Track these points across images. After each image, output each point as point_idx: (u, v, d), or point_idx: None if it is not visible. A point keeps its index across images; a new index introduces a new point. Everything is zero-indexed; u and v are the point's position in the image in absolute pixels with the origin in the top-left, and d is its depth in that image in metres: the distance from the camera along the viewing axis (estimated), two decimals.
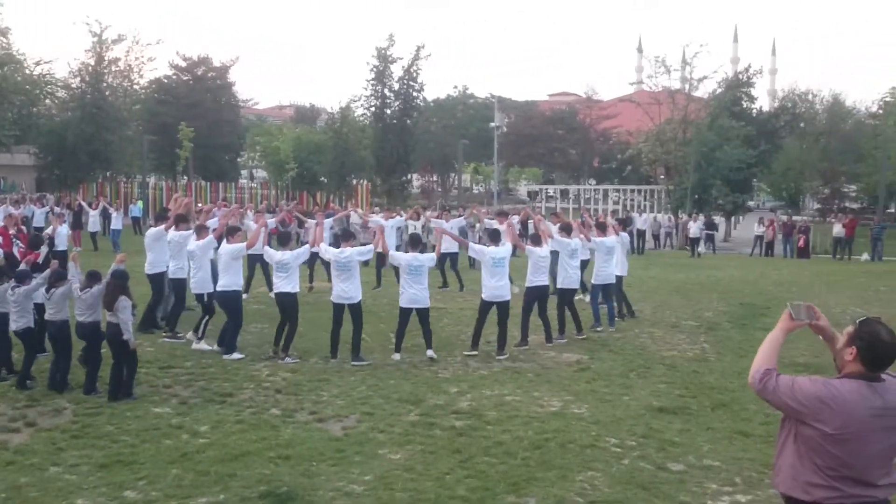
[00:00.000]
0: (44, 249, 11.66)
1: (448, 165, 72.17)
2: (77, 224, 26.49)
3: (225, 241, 11.17)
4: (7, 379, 9.45)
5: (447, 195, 69.47)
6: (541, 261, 12.01)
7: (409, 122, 46.86)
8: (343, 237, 11.62)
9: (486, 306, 11.46)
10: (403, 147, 45.97)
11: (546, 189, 62.75)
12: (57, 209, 27.66)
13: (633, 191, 51.89)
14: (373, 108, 46.49)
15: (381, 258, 15.45)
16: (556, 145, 70.43)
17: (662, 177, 46.52)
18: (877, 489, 3.49)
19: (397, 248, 15.41)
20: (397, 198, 44.33)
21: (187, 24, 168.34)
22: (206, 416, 8.31)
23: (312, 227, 13.89)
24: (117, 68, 45.94)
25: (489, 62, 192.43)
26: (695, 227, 31.36)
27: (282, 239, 11.56)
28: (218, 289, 11.08)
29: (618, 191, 56.44)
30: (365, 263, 12.48)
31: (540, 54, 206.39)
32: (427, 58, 46.17)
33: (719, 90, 40.81)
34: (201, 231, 11.69)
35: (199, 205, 20.39)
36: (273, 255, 11.09)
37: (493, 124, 54.00)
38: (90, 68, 44.72)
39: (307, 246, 11.47)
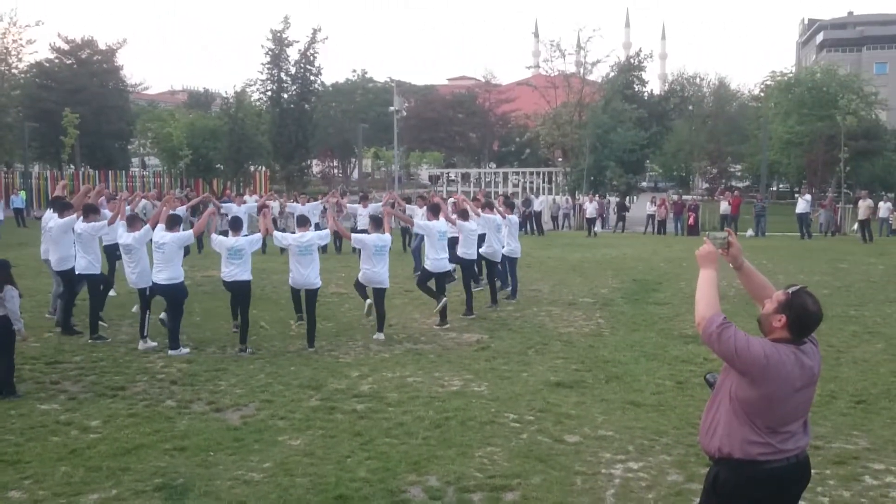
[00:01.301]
0: None
1: (348, 150, 71.73)
2: None
3: (164, 230, 10.60)
4: None
5: (348, 180, 68.97)
6: (471, 234, 13.01)
7: (307, 106, 46.22)
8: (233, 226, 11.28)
9: (428, 274, 12.20)
10: (302, 132, 45.32)
11: (447, 173, 63.08)
12: None
13: (532, 173, 52.74)
14: (269, 93, 45.66)
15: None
16: (457, 129, 70.95)
17: (560, 159, 47.47)
18: (800, 439, 3.74)
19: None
20: (296, 184, 43.71)
21: (69, 4, 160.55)
22: (96, 410, 8.01)
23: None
24: None
25: (388, 46, 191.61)
26: (591, 208, 32.16)
27: (233, 224, 11.12)
28: (162, 281, 10.44)
29: (517, 173, 57.15)
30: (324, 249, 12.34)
31: (439, 38, 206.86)
32: (324, 41, 45.71)
33: (612, 74, 41.95)
34: (134, 222, 11.03)
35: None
36: (224, 241, 10.68)
37: (392, 108, 54.03)
38: None
39: (260, 234, 11.12)
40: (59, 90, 50.01)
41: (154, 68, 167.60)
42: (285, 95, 45.44)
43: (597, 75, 42.34)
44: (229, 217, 13.32)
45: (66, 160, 46.09)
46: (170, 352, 10.31)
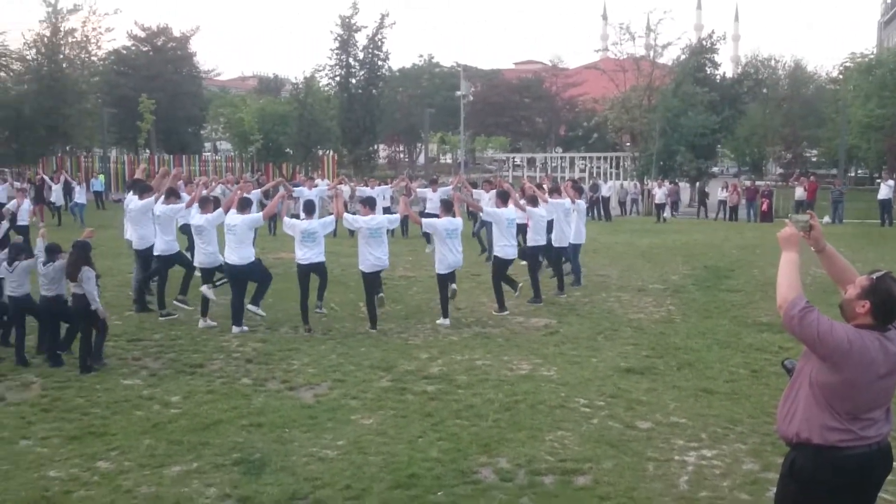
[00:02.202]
0: (4, 224, 11.49)
1: (414, 135, 71.95)
2: (39, 198, 26.07)
3: (236, 212, 10.87)
4: None
5: (414, 165, 69.27)
6: (541, 220, 12.91)
7: (374, 91, 46.41)
8: (306, 210, 11.45)
9: (500, 263, 12.07)
10: (369, 117, 45.59)
11: (513, 157, 62.80)
12: (17, 184, 27.13)
13: (599, 158, 52.12)
14: (338, 78, 45.98)
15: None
16: (523, 114, 70.51)
17: (628, 144, 46.80)
18: (883, 426, 3.67)
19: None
20: (364, 168, 44.09)
21: None
22: (176, 386, 8.29)
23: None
24: (74, 39, 44.91)
25: (455, 31, 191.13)
26: (660, 193, 31.64)
27: (307, 208, 11.32)
28: (234, 262, 10.70)
29: (584, 158, 56.66)
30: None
31: (505, 22, 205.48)
32: (392, 26, 45.71)
33: (683, 57, 41.00)
34: (206, 204, 11.32)
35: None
36: (297, 224, 10.86)
37: (459, 93, 53.83)
38: (46, 40, 43.66)
39: (333, 216, 11.33)
40: (135, 77, 51.37)
41: (225, 55, 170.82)
42: (353, 80, 45.74)
43: (667, 58, 41.54)
44: (301, 201, 13.54)
45: (142, 145, 47.37)
46: (233, 329, 10.67)
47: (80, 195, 27.22)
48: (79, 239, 9.07)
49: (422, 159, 71.51)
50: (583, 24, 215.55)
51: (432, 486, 5.85)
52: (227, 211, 11.09)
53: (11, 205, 15.50)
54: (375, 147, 50.44)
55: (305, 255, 10.80)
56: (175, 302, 11.56)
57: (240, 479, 5.96)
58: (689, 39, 44.15)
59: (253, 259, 10.88)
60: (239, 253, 10.69)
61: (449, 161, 78.79)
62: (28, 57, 45.08)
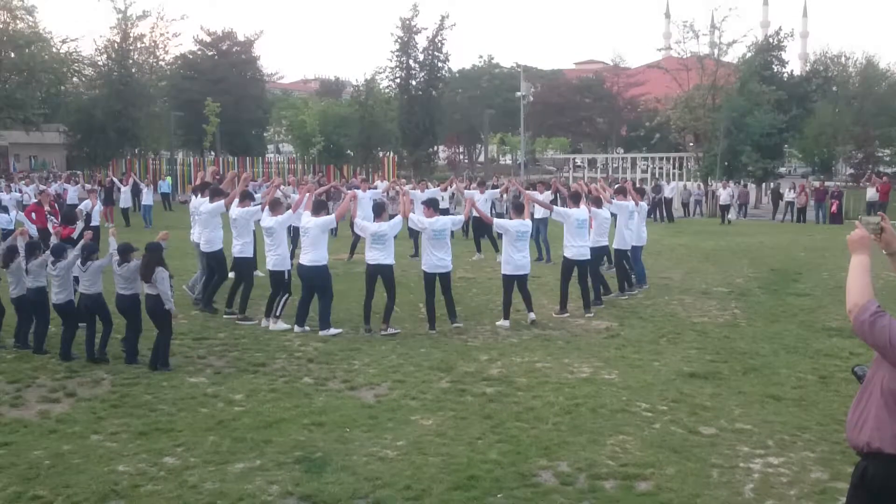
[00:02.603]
0: (79, 225, 11.85)
1: (474, 136, 71.95)
2: (109, 200, 26.84)
3: (309, 215, 10.90)
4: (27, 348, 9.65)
5: (473, 166, 69.29)
6: (605, 222, 12.77)
7: (434, 93, 46.69)
8: (376, 212, 11.53)
9: (569, 264, 11.97)
10: (429, 118, 45.85)
11: (573, 158, 62.31)
12: (88, 186, 28.02)
13: (661, 159, 51.38)
14: (398, 80, 46.38)
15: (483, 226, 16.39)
16: (583, 114, 69.85)
17: (691, 144, 45.96)
18: None
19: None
20: (424, 170, 44.31)
21: None
22: (240, 385, 8.44)
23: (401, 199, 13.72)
24: (143, 45, 46.24)
25: (514, 31, 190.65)
26: (724, 194, 31.02)
27: (377, 209, 11.33)
28: (307, 263, 10.72)
29: (646, 159, 55.93)
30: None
31: (566, 22, 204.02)
32: (452, 27, 46.08)
33: (749, 54, 40.12)
34: (277, 206, 11.34)
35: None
36: (368, 227, 10.89)
37: (519, 94, 53.65)
38: (116, 45, 45.04)
39: (400, 217, 11.37)
40: (201, 80, 52.52)
41: (288, 58, 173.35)
42: (413, 82, 46.07)
43: (732, 56, 40.65)
44: (371, 203, 13.62)
45: (207, 147, 48.49)
46: (321, 332, 10.64)
47: (147, 197, 27.97)
48: (152, 241, 9.29)
49: (481, 160, 71.50)
50: (645, 23, 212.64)
51: (492, 489, 5.83)
52: (294, 211, 11.22)
53: (84, 205, 16.01)
54: (435, 148, 50.68)
55: (374, 256, 10.79)
56: (225, 316, 11.57)
57: (301, 477, 6.03)
58: (756, 37, 43.26)
59: (325, 262, 10.87)
60: (311, 255, 10.71)
61: (508, 162, 78.59)
62: (99, 62, 46.58)
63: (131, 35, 45.22)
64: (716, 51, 39.94)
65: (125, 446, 6.72)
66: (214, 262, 12.02)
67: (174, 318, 9.28)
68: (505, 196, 21.17)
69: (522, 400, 7.87)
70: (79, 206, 15.85)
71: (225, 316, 11.60)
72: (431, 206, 11.44)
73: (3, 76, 43.82)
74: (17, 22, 43.79)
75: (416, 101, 45.66)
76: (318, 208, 11.01)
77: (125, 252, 9.21)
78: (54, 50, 45.70)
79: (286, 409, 7.60)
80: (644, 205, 14.61)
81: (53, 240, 10.83)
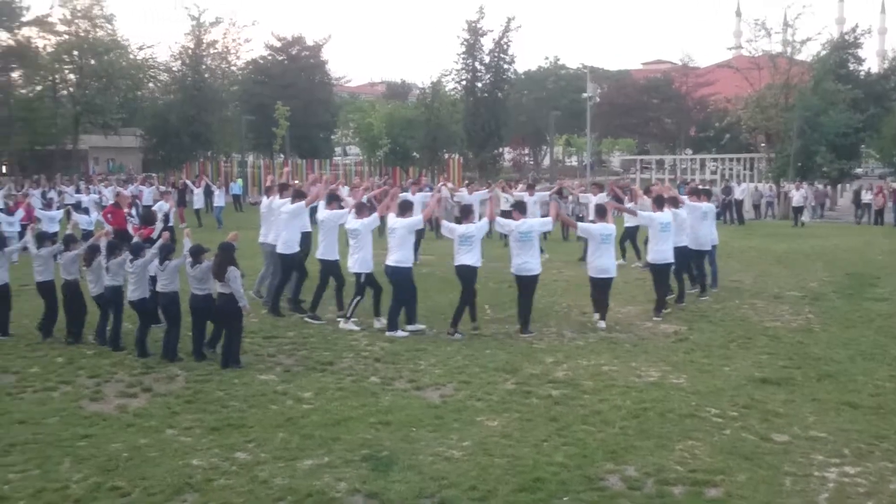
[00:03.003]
0: (158, 225, 12.22)
1: (540, 138, 71.60)
2: (182, 202, 27.61)
3: (394, 216, 10.99)
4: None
5: (539, 168, 68.97)
6: (682, 223, 12.62)
7: (500, 94, 46.54)
8: (463, 214, 11.40)
9: (657, 268, 12.08)
10: (495, 120, 45.73)
11: (640, 160, 61.45)
12: (163, 188, 28.83)
13: (731, 160, 50.26)
14: (464, 82, 46.37)
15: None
16: (651, 115, 68.84)
17: (763, 144, 44.84)
18: None
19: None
20: (489, 171, 44.26)
21: (281, 4, 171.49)
22: (308, 383, 8.59)
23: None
24: (215, 50, 47.39)
25: (581, 32, 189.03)
26: (797, 196, 30.19)
27: (464, 211, 11.32)
28: (392, 263, 10.73)
29: (715, 160, 54.77)
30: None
31: (633, 22, 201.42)
32: (517, 29, 45.74)
33: (823, 52, 38.92)
34: (362, 209, 11.36)
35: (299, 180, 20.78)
36: (455, 228, 10.88)
37: (585, 95, 53.10)
38: (190, 51, 46.24)
39: (486, 219, 11.37)
40: (271, 85, 53.42)
41: (355, 62, 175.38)
42: (479, 84, 46.01)
43: (806, 54, 39.44)
44: (460, 205, 13.65)
45: (276, 150, 49.33)
46: (387, 332, 10.68)
47: (219, 198, 28.65)
48: (224, 241, 9.53)
49: (547, 162, 71.13)
50: (715, 22, 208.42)
51: (558, 491, 5.82)
52: (381, 214, 11.30)
53: (159, 206, 16.49)
54: (501, 150, 50.55)
55: (461, 258, 10.78)
56: (307, 319, 11.55)
57: (368, 475, 6.12)
58: (831, 34, 42.04)
59: (410, 263, 10.87)
60: (397, 255, 10.73)
61: (574, 164, 78.03)
62: (174, 68, 47.93)
63: (204, 41, 46.40)
64: (789, 49, 38.85)
65: (199, 441, 6.91)
66: (291, 264, 12.01)
67: (246, 316, 9.49)
68: (571, 197, 21.03)
69: (589, 403, 7.82)
70: (153, 208, 16.34)
71: (306, 319, 11.56)
72: (519, 209, 11.42)
73: (84, 82, 45.47)
74: (97, 30, 45.37)
75: (482, 104, 45.59)
76: (404, 209, 11.05)
77: (197, 253, 9.47)
78: (131, 57, 47.25)
79: (353, 408, 7.71)
80: (711, 206, 14.31)
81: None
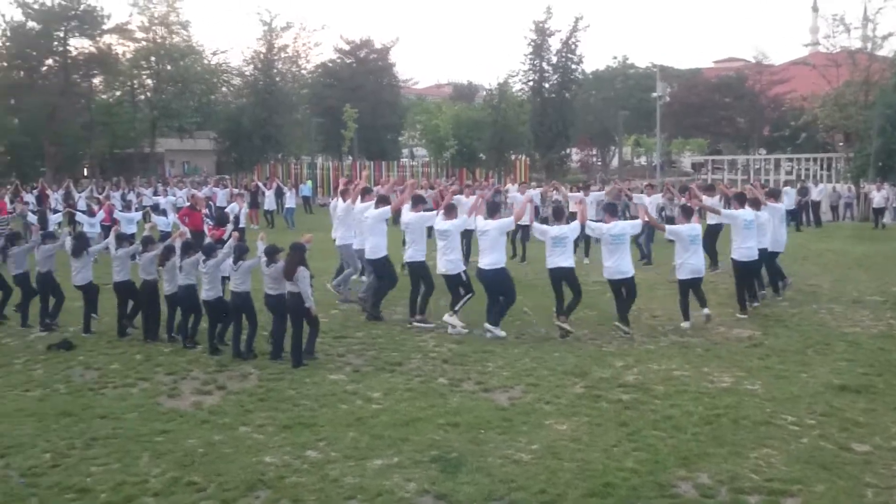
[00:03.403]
0: (230, 227, 12.51)
1: (608, 138, 70.75)
2: (254, 203, 28.19)
3: (482, 217, 10.99)
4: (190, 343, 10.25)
5: (607, 169, 68.22)
6: (765, 224, 12.39)
7: (567, 95, 46.33)
8: (556, 215, 11.39)
9: (739, 266, 11.96)
10: (562, 121, 45.52)
11: (712, 160, 60.21)
12: (235, 190, 29.50)
13: (808, 160, 48.88)
14: (531, 83, 46.29)
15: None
16: (723, 114, 67.27)
17: (841, 144, 43.52)
18: None
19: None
20: (556, 172, 44.01)
21: (349, 7, 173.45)
22: (378, 383, 8.67)
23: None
24: (286, 54, 48.31)
25: (650, 31, 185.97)
26: (878, 197, 29.13)
27: (556, 213, 11.28)
28: (486, 266, 10.68)
29: (791, 160, 53.34)
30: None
31: (704, 19, 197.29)
32: (585, 29, 45.45)
33: None
34: (451, 210, 11.33)
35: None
36: (548, 230, 10.84)
37: (655, 94, 52.30)
38: (262, 56, 47.23)
39: (511, 219, 11.37)
40: (340, 87, 54.15)
41: (422, 64, 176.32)
42: (546, 85, 45.89)
43: (888, 50, 38.16)
44: (550, 206, 13.58)
45: (345, 152, 50.01)
46: (486, 324, 10.66)
47: (290, 200, 29.16)
48: (296, 241, 9.69)
49: (615, 163, 70.31)
50: (790, 18, 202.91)
51: (628, 497, 5.74)
52: (470, 216, 11.30)
53: (231, 208, 16.89)
54: (568, 151, 50.22)
55: (554, 260, 10.71)
56: (416, 323, 11.38)
57: (437, 476, 6.14)
58: None
59: (503, 265, 10.82)
60: (490, 257, 10.69)
61: (643, 164, 76.87)
62: (246, 72, 49.01)
63: (276, 46, 47.33)
64: (869, 45, 37.67)
65: (271, 438, 7.04)
66: (381, 268, 11.96)
67: (314, 316, 9.64)
68: (664, 199, 20.58)
69: (660, 408, 7.70)
70: (226, 209, 16.73)
71: (415, 324, 11.41)
72: (610, 211, 11.33)
73: (161, 87, 46.86)
74: (174, 36, 46.72)
75: (549, 104, 45.44)
76: (493, 210, 11.03)
77: (272, 254, 9.65)
78: (206, 62, 48.54)
79: (422, 409, 7.76)
80: (779, 206, 13.88)
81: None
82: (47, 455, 6.74)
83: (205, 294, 10.13)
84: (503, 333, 10.67)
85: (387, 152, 54.36)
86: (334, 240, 13.34)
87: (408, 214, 11.72)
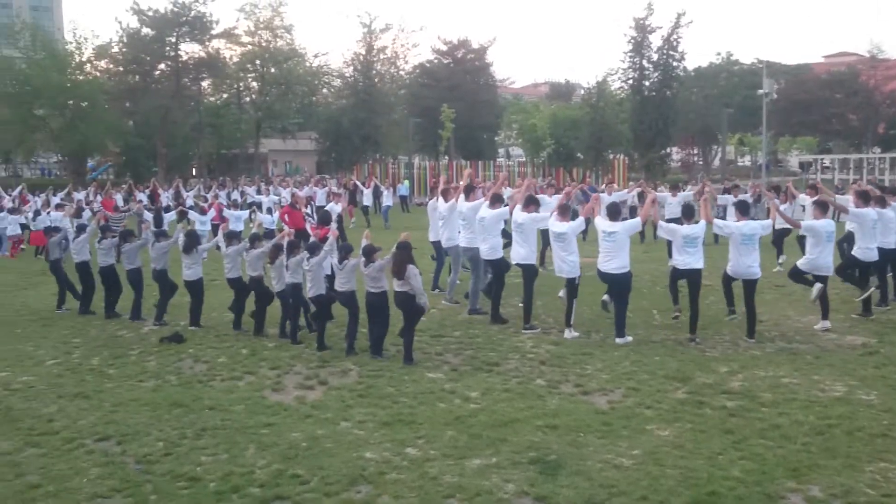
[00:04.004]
0: (333, 226, 12.78)
1: (710, 137, 68.86)
2: (352, 201, 28.73)
3: (608, 220, 10.69)
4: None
5: (709, 168, 66.39)
6: (890, 222, 11.90)
7: (668, 93, 45.22)
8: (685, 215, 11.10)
9: (854, 262, 11.91)
10: (663, 119, 44.46)
11: (821, 159, 57.80)
12: (334, 189, 30.11)
13: None
14: (630, 81, 45.43)
15: None
16: (834, 111, 64.51)
17: None
18: None
19: None
20: (656, 172, 43.11)
21: (447, 8, 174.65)
22: (475, 382, 8.69)
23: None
24: (385, 56, 49.15)
25: (756, 25, 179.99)
26: None
27: (686, 212, 11.09)
28: (612, 270, 10.40)
29: None
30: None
31: (814, 13, 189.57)
32: (688, 25, 44.27)
33: None
34: (566, 212, 11.16)
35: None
36: (679, 230, 10.57)
37: (761, 91, 50.48)
38: (361, 57, 48.15)
39: (638, 219, 11.18)
40: (437, 87, 54.63)
41: (519, 63, 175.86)
42: (647, 83, 44.93)
43: None
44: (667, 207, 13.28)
45: (441, 152, 50.40)
46: (616, 340, 10.38)
47: (387, 199, 29.58)
48: (401, 240, 9.81)
49: (717, 162, 68.33)
50: None
51: None
52: (586, 217, 11.19)
53: (332, 207, 17.23)
54: (668, 150, 49.09)
55: (685, 259, 10.49)
56: (524, 330, 11.15)
57: (536, 478, 6.11)
58: None
59: (628, 268, 10.58)
60: (616, 261, 10.43)
61: (747, 164, 74.49)
62: (346, 74, 50.06)
63: (375, 47, 48.15)
64: None
65: (371, 434, 7.16)
66: (498, 270, 11.83)
67: (426, 313, 9.72)
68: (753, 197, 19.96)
69: (767, 416, 7.43)
70: (326, 208, 17.09)
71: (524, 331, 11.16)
72: (741, 209, 11.08)
73: (265, 89, 48.39)
74: (278, 40, 48.17)
75: (649, 102, 44.47)
76: (616, 213, 10.82)
77: (370, 253, 9.81)
78: (308, 64, 49.83)
79: (520, 410, 7.73)
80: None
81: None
82: (160, 444, 7.04)
83: (308, 291, 10.38)
84: (630, 338, 10.43)
85: (483, 152, 54.47)
86: (435, 241, 13.36)
87: (521, 215, 11.53)
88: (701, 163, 72.17)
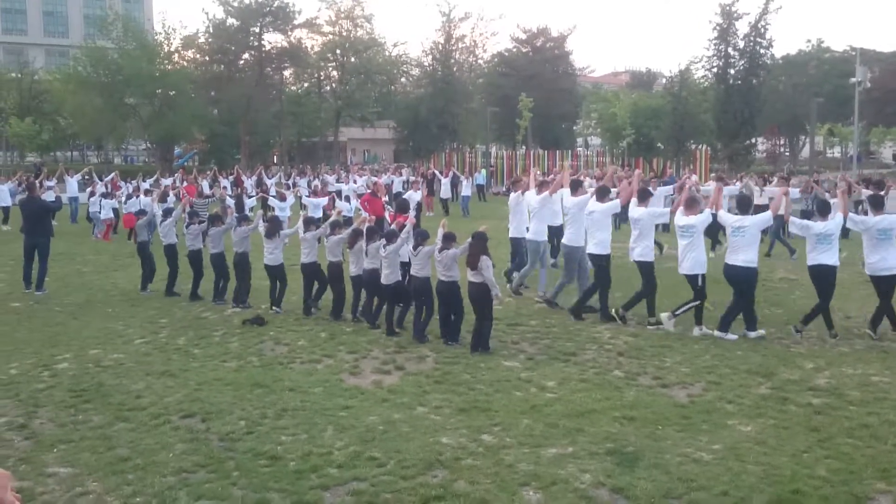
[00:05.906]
0: (412, 213, 12.90)
1: (798, 127, 66.60)
2: (430, 191, 28.87)
3: (685, 211, 10.54)
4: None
5: (796, 159, 64.26)
6: None
7: (755, 81, 43.92)
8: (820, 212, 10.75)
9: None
10: (748, 109, 43.23)
11: None
12: (412, 178, 30.35)
13: None
14: (715, 69, 44.32)
15: None
16: None
17: None
18: None
19: None
20: (740, 163, 41.98)
21: None
22: (552, 372, 8.65)
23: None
24: (463, 45, 49.17)
25: (850, 11, 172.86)
26: None
27: (821, 208, 10.70)
28: (740, 263, 10.08)
29: None
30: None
31: None
32: (777, 11, 42.87)
33: None
34: (693, 205, 10.72)
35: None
36: (812, 226, 10.25)
37: (853, 80, 48.57)
38: (440, 46, 48.28)
39: (709, 211, 10.79)
40: (515, 77, 54.38)
41: (599, 51, 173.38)
42: (732, 71, 43.75)
43: None
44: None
45: (519, 141, 50.20)
46: (749, 334, 10.13)
47: (465, 188, 29.63)
48: (478, 230, 9.81)
49: (806, 153, 66.06)
50: None
51: None
52: (675, 210, 10.93)
53: (411, 196, 17.38)
54: (753, 141, 47.71)
55: (819, 257, 10.13)
56: (649, 326, 10.77)
57: (613, 469, 6.03)
58: None
59: (755, 265, 10.24)
60: (745, 255, 10.10)
61: (837, 155, 71.83)
62: (425, 63, 50.29)
63: (454, 36, 48.20)
64: None
65: (447, 420, 7.20)
66: (601, 266, 11.40)
67: (498, 304, 9.71)
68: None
69: (855, 415, 7.17)
70: (404, 196, 17.25)
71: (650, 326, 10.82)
72: (875, 204, 10.66)
73: (345, 79, 49.02)
74: (358, 29, 48.71)
75: (734, 91, 43.28)
76: (747, 207, 10.44)
77: (448, 240, 9.84)
78: (387, 53, 50.24)
79: (597, 401, 7.65)
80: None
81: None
82: (242, 422, 7.23)
83: (384, 278, 10.50)
84: (735, 336, 10.09)
85: (561, 141, 54.03)
86: (520, 235, 13.19)
87: (636, 210, 11.16)
88: (787, 154, 69.93)
